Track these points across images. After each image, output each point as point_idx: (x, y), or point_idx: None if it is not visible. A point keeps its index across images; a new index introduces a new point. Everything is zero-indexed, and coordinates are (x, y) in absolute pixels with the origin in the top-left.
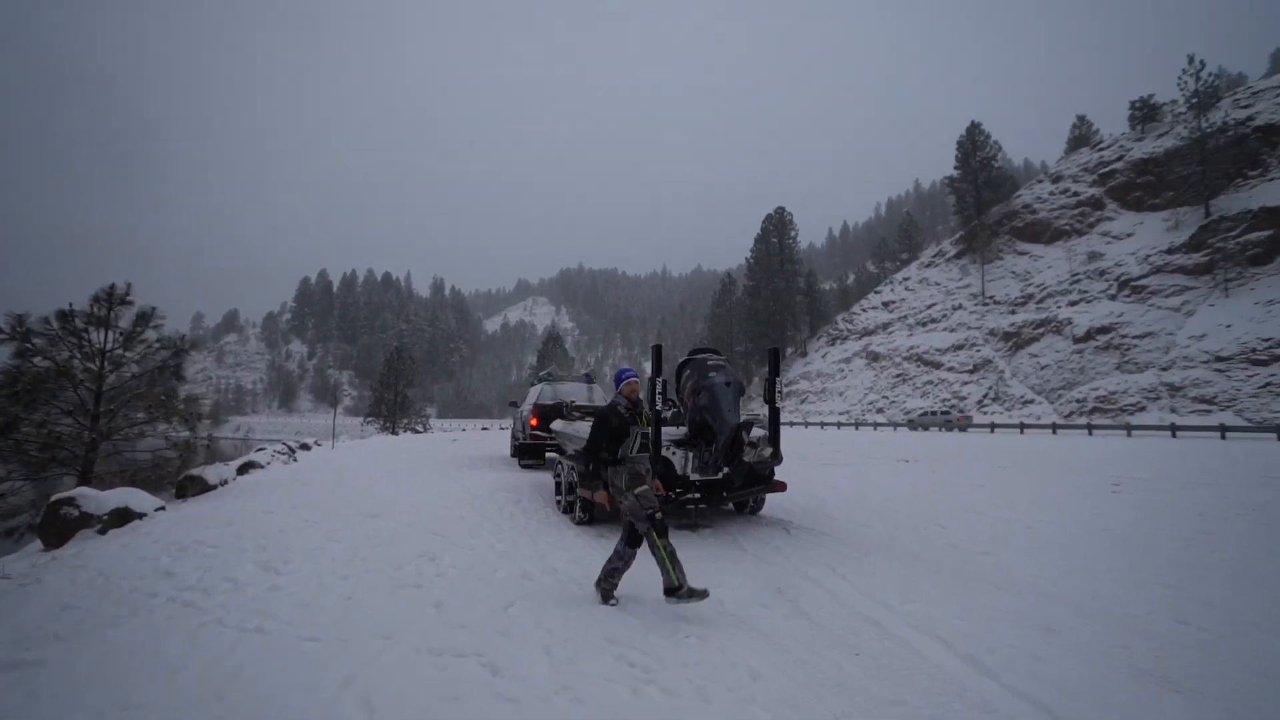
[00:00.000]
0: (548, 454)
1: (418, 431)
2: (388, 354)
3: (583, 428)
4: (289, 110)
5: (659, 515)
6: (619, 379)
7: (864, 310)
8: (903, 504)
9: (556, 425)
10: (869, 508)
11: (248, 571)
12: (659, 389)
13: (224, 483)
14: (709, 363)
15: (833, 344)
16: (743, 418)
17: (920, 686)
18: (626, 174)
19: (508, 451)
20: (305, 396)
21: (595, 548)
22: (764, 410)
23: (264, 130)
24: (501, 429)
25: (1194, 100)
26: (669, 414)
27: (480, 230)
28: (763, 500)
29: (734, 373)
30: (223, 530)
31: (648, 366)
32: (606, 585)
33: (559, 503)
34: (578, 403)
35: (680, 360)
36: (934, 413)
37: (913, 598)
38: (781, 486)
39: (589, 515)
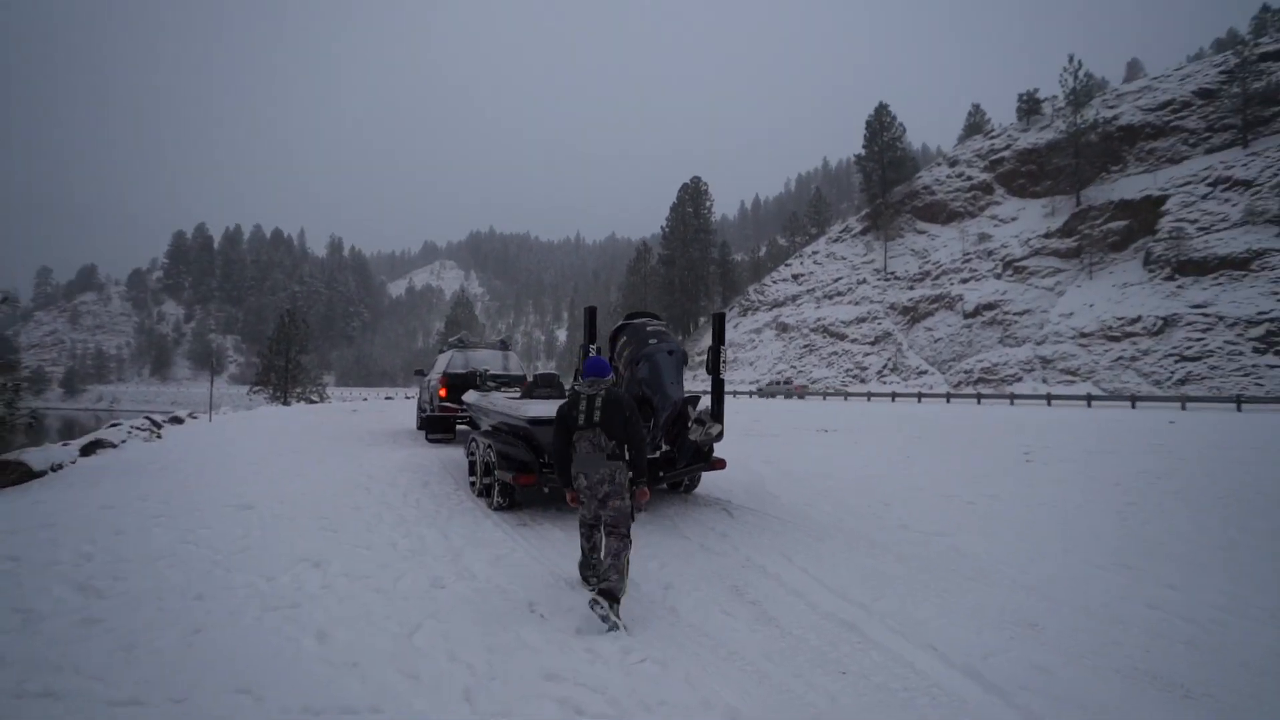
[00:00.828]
0: (458, 427)
1: (313, 401)
2: (279, 317)
3: (499, 400)
4: (163, 38)
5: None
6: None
7: (774, 282)
8: (841, 479)
9: (469, 397)
10: (809, 485)
11: (55, 596)
12: (592, 355)
13: (57, 468)
14: (648, 329)
15: (744, 314)
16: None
17: (925, 713)
18: (539, 137)
19: (413, 424)
20: (183, 363)
21: (519, 541)
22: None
23: (133, 61)
24: (407, 399)
25: (1072, 97)
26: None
27: (384, 189)
28: (699, 478)
29: (676, 341)
30: (33, 535)
31: (561, 334)
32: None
33: (473, 484)
34: (492, 371)
35: (615, 325)
36: (777, 383)
37: (882, 593)
38: (721, 464)
39: (508, 500)
